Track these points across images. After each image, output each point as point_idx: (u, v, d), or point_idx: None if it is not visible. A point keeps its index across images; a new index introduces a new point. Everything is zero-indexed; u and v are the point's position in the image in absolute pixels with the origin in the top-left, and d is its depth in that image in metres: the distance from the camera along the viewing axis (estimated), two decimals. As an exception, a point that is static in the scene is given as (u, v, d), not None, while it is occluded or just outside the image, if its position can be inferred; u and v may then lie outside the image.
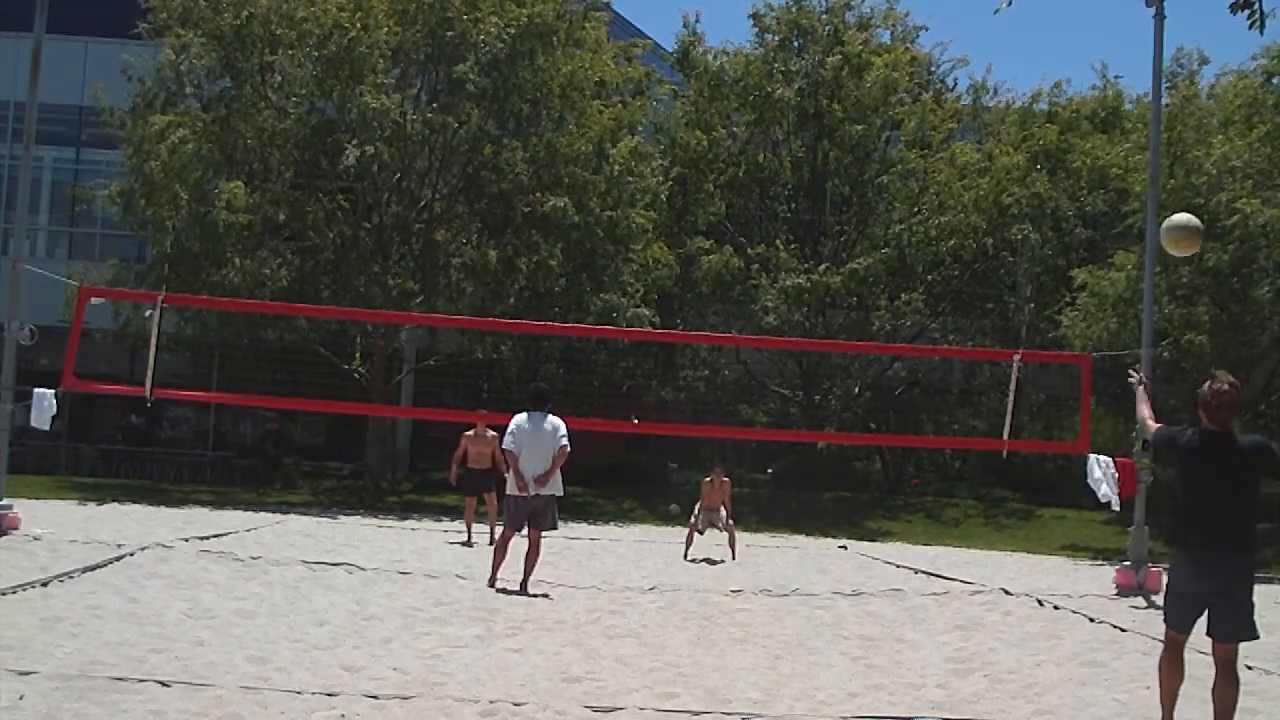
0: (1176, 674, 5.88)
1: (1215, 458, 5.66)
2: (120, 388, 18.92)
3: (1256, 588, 5.90)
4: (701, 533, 15.98)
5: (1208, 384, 5.71)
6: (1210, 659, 5.92)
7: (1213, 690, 5.68)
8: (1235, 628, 5.67)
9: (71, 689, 5.83)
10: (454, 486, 17.02)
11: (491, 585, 10.59)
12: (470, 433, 15.57)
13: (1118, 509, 13.27)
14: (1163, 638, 5.98)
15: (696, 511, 15.90)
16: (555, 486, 10.62)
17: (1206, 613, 5.73)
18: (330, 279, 24.56)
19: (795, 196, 29.08)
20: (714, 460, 19.70)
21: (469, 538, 15.90)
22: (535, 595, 10.36)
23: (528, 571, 10.64)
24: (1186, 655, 8.18)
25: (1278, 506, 22.59)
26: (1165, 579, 5.88)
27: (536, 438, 10.51)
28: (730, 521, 15.92)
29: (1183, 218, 9.65)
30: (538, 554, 10.73)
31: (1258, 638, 5.76)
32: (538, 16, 23.55)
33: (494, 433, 14.21)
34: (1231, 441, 5.70)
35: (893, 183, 27.50)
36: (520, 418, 10.64)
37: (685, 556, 15.45)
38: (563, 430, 10.56)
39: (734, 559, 15.41)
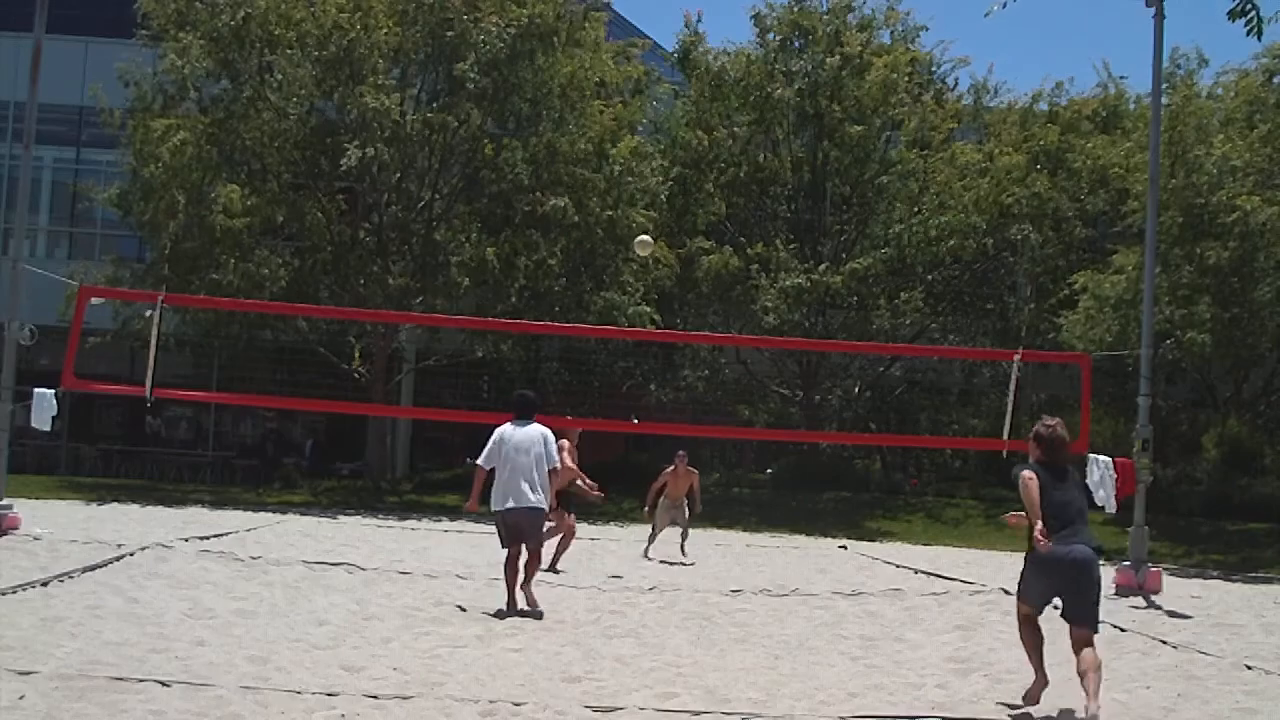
0: (1036, 635, 6.98)
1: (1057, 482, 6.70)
2: (120, 388, 18.92)
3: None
4: (655, 531, 15.17)
5: (1040, 426, 6.83)
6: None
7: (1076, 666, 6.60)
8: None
9: (71, 689, 5.83)
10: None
11: (511, 607, 9.35)
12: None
13: (1111, 511, 13.25)
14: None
15: (657, 504, 15.08)
16: (539, 499, 9.43)
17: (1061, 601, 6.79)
18: (329, 279, 24.57)
19: (795, 196, 29.07)
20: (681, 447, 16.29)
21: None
22: (529, 611, 9.33)
23: (528, 577, 9.60)
24: (1188, 657, 8.22)
25: (1278, 507, 22.60)
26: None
27: (521, 454, 9.39)
28: (689, 517, 15.11)
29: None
30: (539, 561, 9.84)
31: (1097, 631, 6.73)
32: (538, 16, 23.56)
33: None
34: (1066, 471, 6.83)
35: (893, 183, 27.51)
36: (504, 429, 9.56)
37: (645, 554, 14.94)
38: (553, 448, 9.57)
39: (684, 556, 14.78)
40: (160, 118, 23.43)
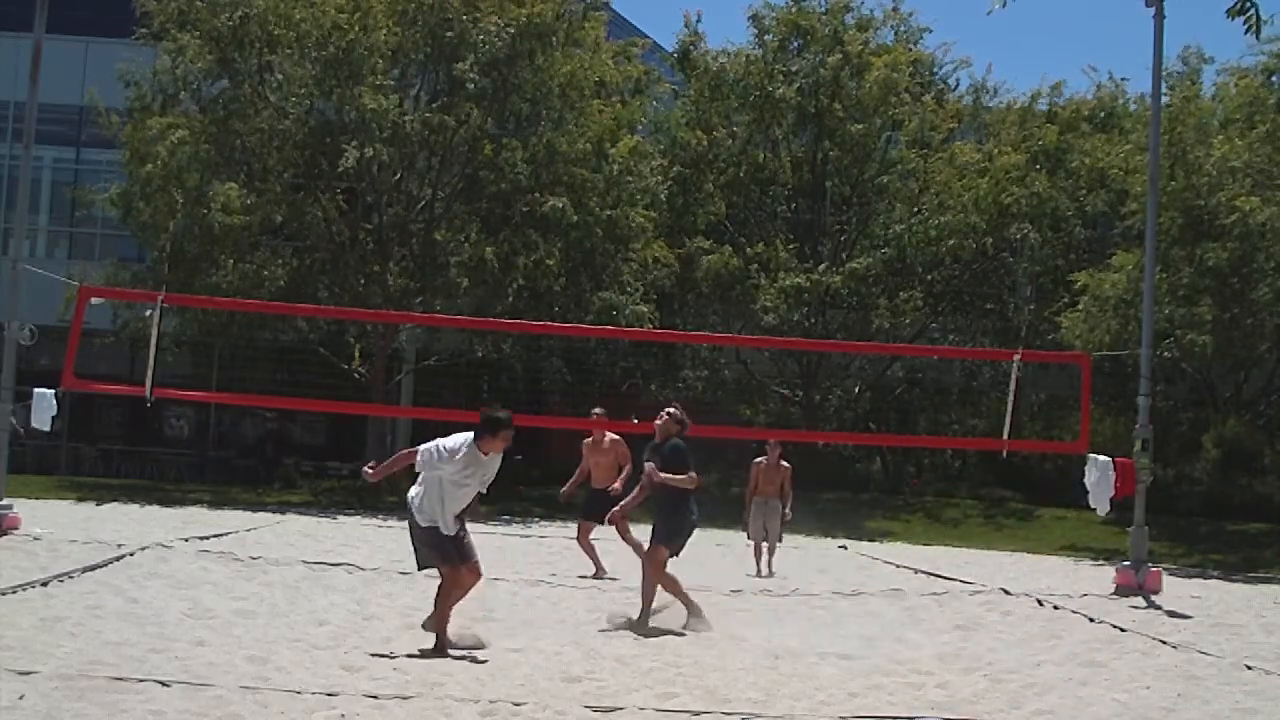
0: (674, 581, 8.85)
1: None
2: (120, 388, 18.92)
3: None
4: (751, 539, 13.67)
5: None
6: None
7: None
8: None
9: (71, 689, 5.83)
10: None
11: (439, 648, 7.67)
12: (588, 440, 12.61)
13: (1105, 512, 13.25)
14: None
15: (748, 506, 13.87)
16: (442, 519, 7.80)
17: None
18: (329, 279, 24.57)
19: (795, 196, 29.08)
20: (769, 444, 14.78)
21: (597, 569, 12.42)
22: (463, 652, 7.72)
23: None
24: (1187, 657, 8.23)
25: (1278, 507, 22.62)
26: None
27: (470, 471, 7.76)
28: (783, 520, 13.77)
29: None
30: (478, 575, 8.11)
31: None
32: (537, 16, 23.55)
33: (615, 437, 12.41)
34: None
35: (893, 183, 27.51)
36: (459, 440, 7.77)
37: (759, 572, 13.62)
38: (458, 450, 7.68)
39: (770, 572, 13.62)
40: (159, 117, 23.43)
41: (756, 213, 29.07)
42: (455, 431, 7.85)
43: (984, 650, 8.62)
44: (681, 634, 8.85)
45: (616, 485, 11.80)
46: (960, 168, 26.69)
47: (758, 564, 13.83)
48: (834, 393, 28.61)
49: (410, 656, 7.37)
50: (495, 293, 23.76)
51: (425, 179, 25.09)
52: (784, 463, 14.15)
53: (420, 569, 8.34)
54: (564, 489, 12.89)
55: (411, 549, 8.01)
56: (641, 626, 8.77)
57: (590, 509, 12.32)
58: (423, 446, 7.77)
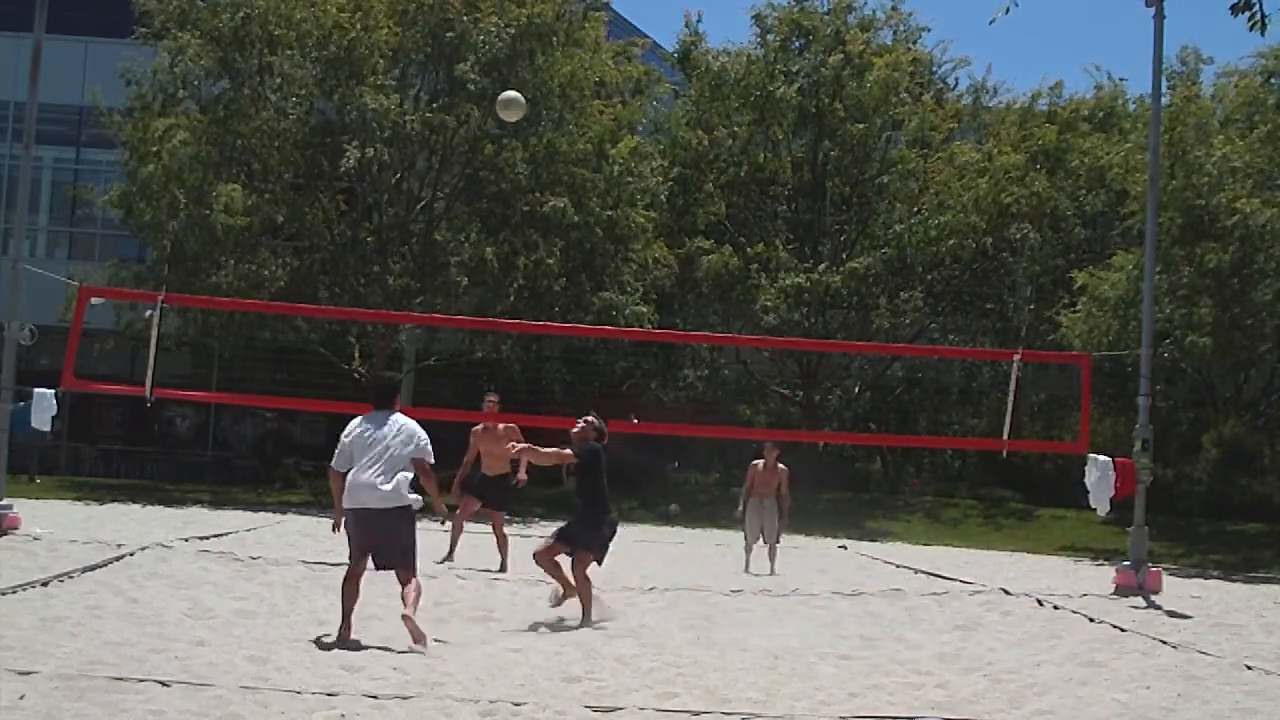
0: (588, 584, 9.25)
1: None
2: (120, 388, 18.92)
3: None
4: (748, 540, 13.95)
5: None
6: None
7: None
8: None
9: (71, 689, 5.83)
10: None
11: (344, 641, 7.57)
12: (479, 428, 12.80)
13: (1105, 512, 13.25)
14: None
15: (741, 507, 14.15)
16: (400, 495, 7.77)
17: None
18: (329, 279, 24.57)
19: (795, 196, 29.08)
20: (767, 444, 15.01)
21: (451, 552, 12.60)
22: (419, 648, 7.49)
23: (409, 605, 7.69)
24: (1187, 657, 8.22)
25: (1278, 507, 22.62)
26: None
27: (378, 447, 7.78)
28: (780, 525, 13.99)
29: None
30: (419, 592, 7.88)
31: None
32: (537, 16, 23.56)
33: (508, 426, 12.52)
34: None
35: (893, 182, 27.50)
36: (356, 422, 7.98)
37: (746, 568, 13.95)
38: (419, 437, 7.87)
39: (773, 571, 13.73)
40: (160, 117, 23.44)
41: (756, 213, 29.06)
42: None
43: (984, 650, 8.62)
44: (681, 634, 8.86)
45: (522, 476, 12.31)
46: (960, 168, 26.69)
47: (747, 560, 14.13)
48: (834, 393, 28.60)
49: (405, 654, 7.36)
50: (495, 293, 23.77)
51: (425, 179, 25.09)
52: (781, 465, 14.29)
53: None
54: (456, 479, 12.79)
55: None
56: (587, 621, 9.00)
57: (483, 495, 12.61)
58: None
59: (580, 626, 8.93)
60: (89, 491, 22.25)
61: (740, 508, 14.38)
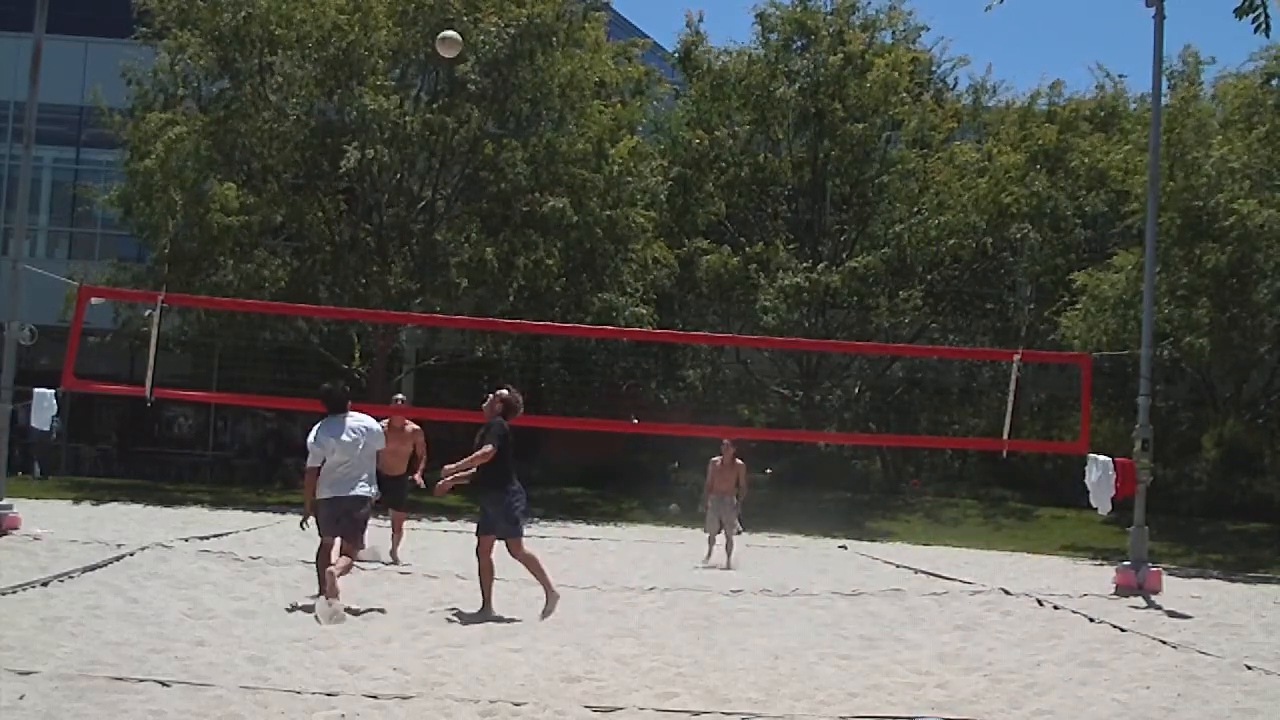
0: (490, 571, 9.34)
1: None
2: (120, 388, 18.92)
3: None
4: (710, 535, 14.49)
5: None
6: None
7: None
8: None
9: (71, 689, 5.83)
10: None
11: (332, 604, 8.59)
12: (384, 422, 12.06)
13: (1105, 511, 13.26)
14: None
15: (704, 504, 14.70)
16: (366, 486, 9.12)
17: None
18: (329, 279, 24.56)
19: (795, 196, 29.08)
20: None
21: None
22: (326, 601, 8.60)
23: (338, 566, 8.96)
24: (1187, 657, 8.22)
25: (1278, 507, 22.61)
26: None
27: (349, 444, 9.02)
28: (738, 516, 14.54)
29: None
30: (350, 562, 9.19)
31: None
32: (537, 16, 23.56)
33: (414, 426, 12.87)
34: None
35: (893, 182, 27.50)
36: (321, 428, 9.04)
37: (705, 560, 14.47)
38: (377, 428, 9.34)
39: (728, 565, 14.27)
40: (159, 113, 23.43)
41: (756, 213, 29.06)
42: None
43: (984, 650, 8.61)
44: (681, 634, 8.86)
45: (416, 477, 12.70)
46: (960, 167, 26.70)
47: (709, 554, 14.63)
48: (834, 393, 28.60)
49: (405, 655, 7.36)
50: (495, 293, 23.76)
51: (425, 179, 25.09)
52: (739, 460, 14.81)
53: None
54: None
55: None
56: (551, 606, 9.19)
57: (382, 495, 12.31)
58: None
59: (548, 605, 9.16)
60: (89, 491, 22.24)
61: (702, 505, 14.97)
